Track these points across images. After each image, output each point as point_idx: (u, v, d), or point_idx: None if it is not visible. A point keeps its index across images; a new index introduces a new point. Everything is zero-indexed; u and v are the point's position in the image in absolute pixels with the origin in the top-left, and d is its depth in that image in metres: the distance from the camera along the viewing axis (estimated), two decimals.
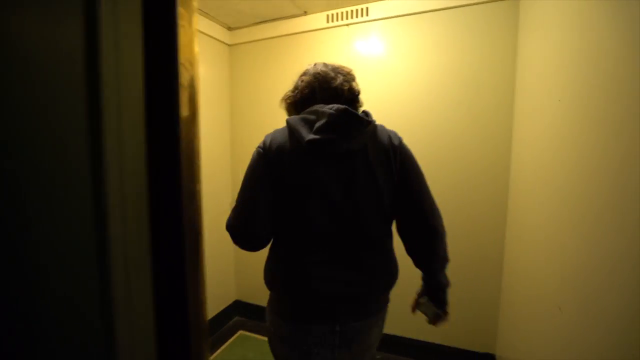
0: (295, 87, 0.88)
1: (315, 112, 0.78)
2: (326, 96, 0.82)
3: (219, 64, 2.04)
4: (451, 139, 1.62)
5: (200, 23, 1.85)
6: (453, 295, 1.59)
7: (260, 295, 2.14)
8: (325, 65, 0.87)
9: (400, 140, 0.85)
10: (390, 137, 0.84)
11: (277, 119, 1.96)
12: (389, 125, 1.68)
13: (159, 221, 0.44)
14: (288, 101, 0.89)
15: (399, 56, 1.69)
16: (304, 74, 0.87)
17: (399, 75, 1.70)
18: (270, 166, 0.79)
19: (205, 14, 1.86)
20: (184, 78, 0.68)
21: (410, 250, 0.87)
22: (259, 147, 0.82)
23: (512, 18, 1.47)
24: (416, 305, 0.91)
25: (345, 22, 1.77)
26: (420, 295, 0.90)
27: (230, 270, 2.22)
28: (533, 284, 1.12)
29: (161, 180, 0.50)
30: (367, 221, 0.80)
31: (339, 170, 0.78)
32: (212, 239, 2.03)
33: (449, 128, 1.62)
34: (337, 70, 0.85)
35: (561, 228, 0.92)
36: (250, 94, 2.07)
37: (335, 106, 0.77)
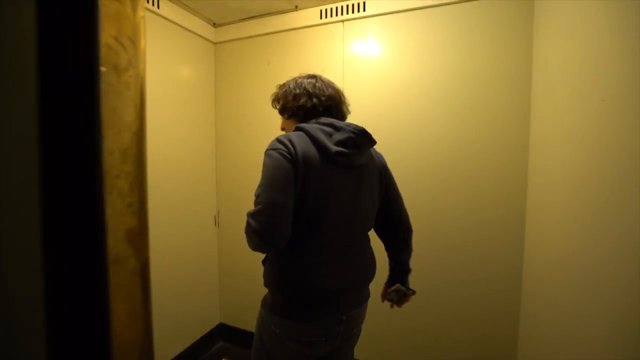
0: (304, 93, 0.92)
1: (332, 126, 0.88)
2: (339, 115, 0.97)
3: (203, 64, 1.87)
4: (459, 145, 1.46)
5: (182, 18, 1.68)
6: (467, 327, 1.36)
7: (248, 318, 1.93)
8: (329, 82, 0.98)
9: (385, 160, 1.05)
10: (380, 157, 1.03)
11: (265, 123, 1.79)
12: (390, 132, 1.53)
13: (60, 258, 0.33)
14: (298, 105, 0.93)
15: (399, 56, 1.54)
16: (315, 86, 0.94)
17: (399, 77, 1.55)
18: (297, 171, 0.81)
19: (188, 8, 1.70)
20: (119, 58, 0.50)
21: (389, 245, 1.07)
22: (279, 149, 0.82)
23: (526, 13, 1.33)
24: (386, 294, 1.05)
25: (340, 18, 1.63)
26: (389, 285, 1.06)
27: (213, 290, 2.02)
28: (556, 319, 0.95)
29: (68, 202, 0.35)
30: (364, 222, 0.95)
31: (350, 179, 0.89)
32: (194, 255, 1.83)
33: (456, 133, 1.46)
34: (339, 91, 0.99)
35: (595, 246, 0.76)
36: (236, 96, 1.91)
37: (353, 125, 0.90)
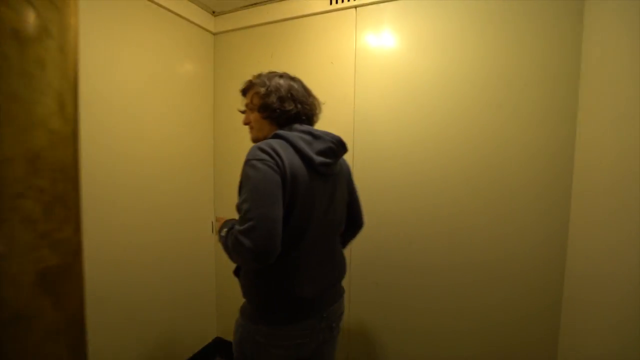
0: (289, 97, 0.90)
1: (310, 134, 0.88)
2: (313, 123, 0.98)
3: (201, 56, 1.72)
4: (490, 147, 1.26)
5: (177, 5, 1.53)
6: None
7: None
8: (309, 88, 0.97)
9: (349, 165, 1.12)
10: (346, 163, 1.08)
11: None
12: (408, 132, 1.35)
13: None
14: (282, 110, 0.89)
15: (419, 47, 1.35)
16: (299, 92, 0.92)
17: (419, 71, 1.35)
18: (285, 182, 0.80)
19: None
20: (21, 21, 0.33)
21: (344, 236, 1.10)
22: (265, 161, 0.78)
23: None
24: None
25: (352, 3, 1.44)
26: None
27: (210, 303, 1.86)
28: None
29: None
30: (339, 227, 1.01)
31: (328, 188, 0.92)
32: (189, 263, 1.68)
33: (487, 134, 1.26)
34: (317, 100, 0.99)
35: None
36: (237, 91, 1.74)
37: (330, 134, 0.91)
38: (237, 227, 0.77)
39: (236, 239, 0.75)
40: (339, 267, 1.00)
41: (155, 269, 1.51)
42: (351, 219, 1.09)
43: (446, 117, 1.32)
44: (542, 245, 1.20)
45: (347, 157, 1.47)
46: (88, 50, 1.19)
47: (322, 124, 1.50)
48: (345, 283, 1.48)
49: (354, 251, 1.49)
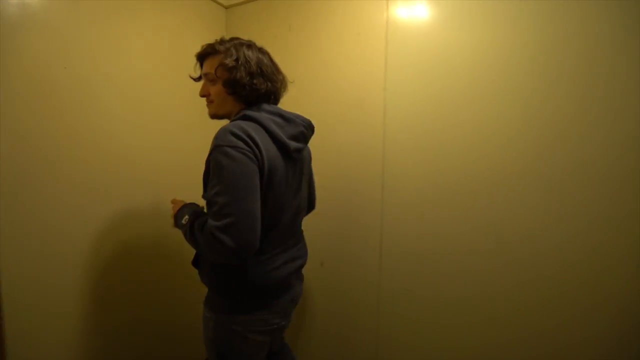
0: (259, 73, 0.82)
1: (281, 116, 0.84)
2: (279, 102, 0.92)
3: (211, 32, 1.54)
4: (553, 142, 1.03)
5: None
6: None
7: None
8: (277, 63, 0.90)
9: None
10: (308, 146, 1.02)
11: (287, 106, 1.46)
12: (454, 120, 1.17)
13: None
14: (252, 87, 0.81)
15: (470, 19, 1.11)
16: (269, 67, 0.85)
17: (466, 48, 1.12)
18: (262, 172, 0.75)
19: None
20: None
21: None
22: (241, 149, 0.71)
23: None
24: None
25: None
26: None
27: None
28: None
29: None
30: (304, 208, 1.01)
31: (296, 173, 0.90)
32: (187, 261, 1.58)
33: (550, 126, 1.03)
34: (285, 77, 0.92)
35: None
36: None
37: (301, 117, 0.89)
38: (212, 222, 0.70)
39: (213, 236, 0.69)
40: (303, 252, 1.00)
41: (152, 266, 1.43)
42: (309, 201, 1.09)
43: (499, 102, 1.09)
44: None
45: (375, 144, 1.29)
46: (81, 24, 1.07)
47: (346, 101, 1.31)
48: (374, 284, 1.31)
49: (385, 248, 1.34)
